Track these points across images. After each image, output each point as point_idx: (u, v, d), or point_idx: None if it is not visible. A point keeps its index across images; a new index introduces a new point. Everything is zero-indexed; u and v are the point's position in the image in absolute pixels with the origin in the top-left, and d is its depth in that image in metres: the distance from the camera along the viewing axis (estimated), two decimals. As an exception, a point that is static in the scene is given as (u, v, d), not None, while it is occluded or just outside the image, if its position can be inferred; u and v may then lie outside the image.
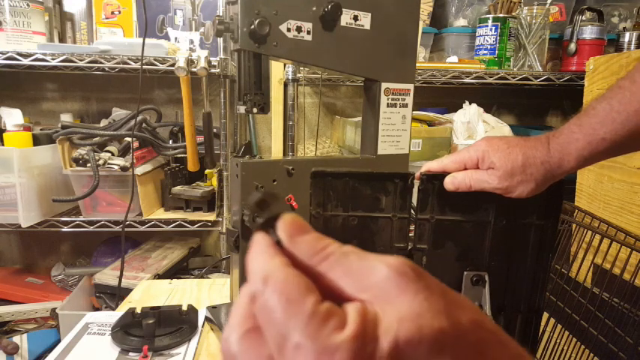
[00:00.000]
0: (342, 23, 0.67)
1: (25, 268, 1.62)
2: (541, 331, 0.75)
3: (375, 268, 0.19)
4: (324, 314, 0.18)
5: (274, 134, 1.46)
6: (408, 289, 0.18)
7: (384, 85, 0.72)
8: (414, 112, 0.78)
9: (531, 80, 1.38)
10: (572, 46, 1.40)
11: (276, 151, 1.47)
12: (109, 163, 1.23)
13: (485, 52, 1.41)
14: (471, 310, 0.19)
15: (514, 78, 1.37)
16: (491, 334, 0.19)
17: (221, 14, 1.10)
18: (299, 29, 0.64)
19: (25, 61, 1.23)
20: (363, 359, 0.17)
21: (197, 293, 0.87)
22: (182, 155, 1.36)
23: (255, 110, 0.64)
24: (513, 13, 1.39)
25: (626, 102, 0.48)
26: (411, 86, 0.75)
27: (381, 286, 0.19)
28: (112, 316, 0.71)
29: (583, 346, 0.78)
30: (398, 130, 0.75)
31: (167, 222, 1.31)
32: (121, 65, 1.24)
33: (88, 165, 1.20)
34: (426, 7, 1.47)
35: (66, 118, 1.45)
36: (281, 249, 0.21)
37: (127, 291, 0.93)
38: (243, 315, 0.20)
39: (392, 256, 0.19)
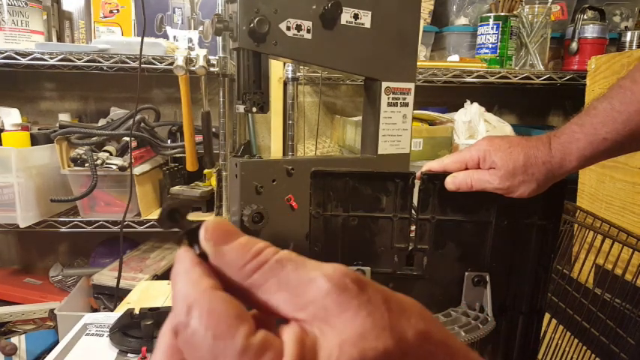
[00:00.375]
0: (343, 22, 0.66)
1: (23, 268, 1.62)
2: (542, 331, 0.75)
3: (313, 281, 0.17)
4: (257, 349, 0.16)
5: (274, 134, 1.46)
6: (350, 307, 0.17)
7: (384, 84, 0.72)
8: (414, 112, 0.77)
9: (533, 79, 1.37)
10: (574, 45, 1.39)
11: (275, 150, 1.47)
12: (107, 163, 1.22)
13: (487, 50, 1.40)
14: (417, 317, 0.18)
15: (515, 77, 1.36)
16: (439, 345, 0.18)
17: (220, 13, 1.10)
18: (299, 28, 0.63)
19: (23, 61, 1.22)
20: None
21: (196, 294, 0.86)
22: (181, 155, 1.35)
23: (254, 109, 0.63)
24: (515, 12, 1.38)
25: (627, 102, 0.48)
26: (411, 85, 0.74)
27: (320, 304, 0.17)
28: (110, 317, 0.71)
29: (584, 347, 0.78)
30: (398, 130, 0.75)
31: (166, 222, 1.30)
32: (120, 64, 1.24)
33: (86, 165, 1.19)
34: (427, 5, 1.47)
35: (64, 117, 1.44)
36: (207, 264, 0.19)
37: (126, 292, 0.93)
38: (166, 351, 0.18)
39: (330, 265, 0.18)
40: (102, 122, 1.35)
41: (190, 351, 0.17)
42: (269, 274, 0.18)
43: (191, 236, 0.20)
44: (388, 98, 0.73)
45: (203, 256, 0.19)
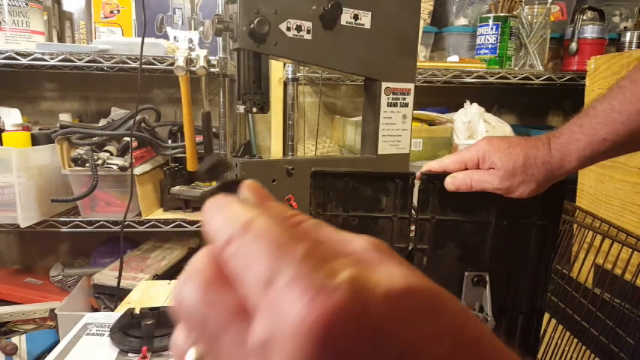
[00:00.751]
0: (342, 22, 0.67)
1: (24, 268, 1.62)
2: (542, 331, 0.75)
3: (352, 239, 0.18)
4: (319, 256, 0.16)
5: (274, 134, 1.46)
6: (388, 261, 0.17)
7: (384, 85, 0.72)
8: (414, 112, 0.77)
9: (532, 80, 1.37)
10: (573, 46, 1.39)
11: (275, 150, 1.47)
12: (107, 163, 1.22)
13: (486, 51, 1.40)
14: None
15: (515, 77, 1.36)
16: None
17: (220, 13, 1.10)
18: (299, 28, 0.64)
19: (24, 61, 1.22)
20: (360, 303, 0.15)
21: (196, 294, 0.86)
22: (181, 155, 1.35)
23: (254, 110, 0.64)
24: (514, 12, 1.38)
25: (626, 102, 0.48)
26: (411, 85, 0.74)
27: (361, 255, 0.17)
28: (110, 317, 0.71)
29: (584, 347, 0.78)
30: (398, 130, 0.75)
31: (166, 222, 1.31)
32: (120, 65, 1.24)
33: (87, 165, 1.19)
34: (427, 6, 1.47)
35: (65, 117, 1.44)
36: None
37: (126, 292, 0.93)
38: (204, 263, 0.17)
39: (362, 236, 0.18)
40: (102, 122, 1.35)
41: (243, 257, 0.16)
42: (309, 230, 0.18)
43: (228, 189, 0.19)
44: (388, 98, 0.73)
45: None
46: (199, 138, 1.32)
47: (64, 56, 1.22)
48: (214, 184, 0.21)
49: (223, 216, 0.18)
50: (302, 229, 0.18)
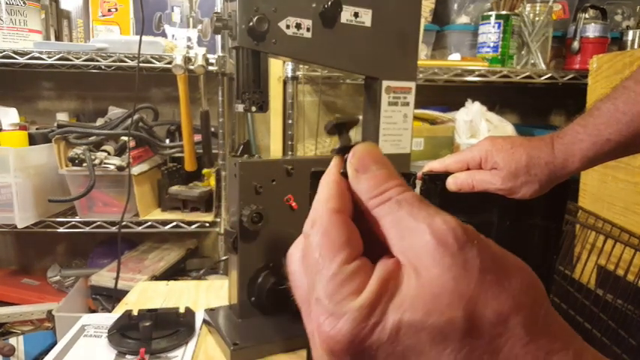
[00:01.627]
0: (343, 20, 0.66)
1: (21, 269, 1.61)
2: (545, 333, 0.74)
3: (417, 230, 0.18)
4: (345, 277, 0.18)
5: (273, 133, 1.45)
6: (441, 264, 0.17)
7: (385, 83, 0.71)
8: (415, 111, 0.77)
9: (534, 78, 1.36)
10: (576, 44, 1.38)
11: (275, 150, 1.46)
12: (105, 163, 1.21)
13: (488, 49, 1.40)
14: (510, 295, 0.17)
15: (517, 76, 1.36)
16: (517, 331, 0.17)
17: (219, 11, 1.09)
18: (298, 26, 0.63)
19: (21, 60, 1.22)
20: (363, 330, 0.17)
21: (194, 295, 0.85)
22: (179, 155, 1.35)
23: (253, 109, 0.63)
24: (516, 11, 1.37)
25: (631, 102, 0.47)
26: (412, 84, 0.73)
27: (417, 253, 0.18)
28: (108, 319, 0.70)
29: (587, 349, 0.77)
30: (399, 129, 0.74)
31: (164, 223, 1.30)
32: (118, 63, 1.23)
33: (84, 165, 1.19)
34: (428, 3, 1.46)
35: (62, 117, 1.44)
36: (346, 182, 0.22)
37: (124, 293, 0.92)
38: (301, 241, 0.22)
39: (442, 218, 0.18)
40: (100, 122, 1.35)
41: (307, 257, 0.20)
42: (387, 211, 0.20)
43: (343, 153, 0.22)
44: (389, 97, 0.72)
45: (345, 175, 0.22)
46: (198, 137, 1.31)
47: (61, 55, 1.21)
48: (337, 139, 0.25)
49: (315, 199, 0.22)
50: (383, 209, 0.20)
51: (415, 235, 0.18)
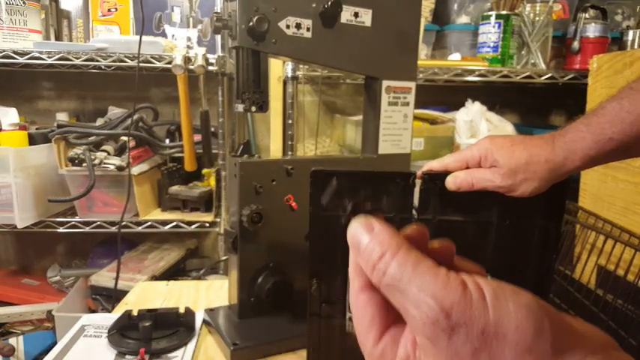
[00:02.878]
0: (343, 20, 0.66)
1: (21, 269, 1.61)
2: (545, 333, 0.74)
3: (411, 316, 0.18)
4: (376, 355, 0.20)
5: (273, 133, 1.45)
6: (435, 350, 0.18)
7: (385, 83, 0.71)
8: (415, 111, 0.76)
9: (534, 78, 1.36)
10: (576, 44, 1.38)
11: (275, 150, 1.46)
12: (104, 163, 1.21)
13: (488, 49, 1.39)
14: None
15: (517, 76, 1.35)
16: None
17: (219, 11, 1.09)
18: (298, 26, 0.63)
19: (21, 60, 1.22)
20: None
21: (194, 295, 0.85)
22: (179, 155, 1.34)
23: (253, 109, 0.63)
24: (516, 11, 1.37)
25: (636, 102, 0.47)
26: (412, 84, 0.73)
27: (420, 340, 0.19)
28: (108, 319, 0.70)
29: (587, 349, 0.77)
30: (399, 129, 0.74)
31: (164, 223, 1.30)
32: (118, 63, 1.23)
33: (84, 165, 1.18)
34: (428, 3, 1.46)
35: (62, 117, 1.44)
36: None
37: (124, 293, 0.92)
38: (356, 269, 0.22)
39: (434, 297, 0.17)
40: (100, 122, 1.35)
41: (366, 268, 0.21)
42: (384, 290, 0.20)
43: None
44: (389, 97, 0.72)
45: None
46: (198, 137, 1.31)
47: (61, 55, 1.21)
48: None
49: (371, 235, 0.22)
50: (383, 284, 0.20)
51: (412, 320, 0.18)
